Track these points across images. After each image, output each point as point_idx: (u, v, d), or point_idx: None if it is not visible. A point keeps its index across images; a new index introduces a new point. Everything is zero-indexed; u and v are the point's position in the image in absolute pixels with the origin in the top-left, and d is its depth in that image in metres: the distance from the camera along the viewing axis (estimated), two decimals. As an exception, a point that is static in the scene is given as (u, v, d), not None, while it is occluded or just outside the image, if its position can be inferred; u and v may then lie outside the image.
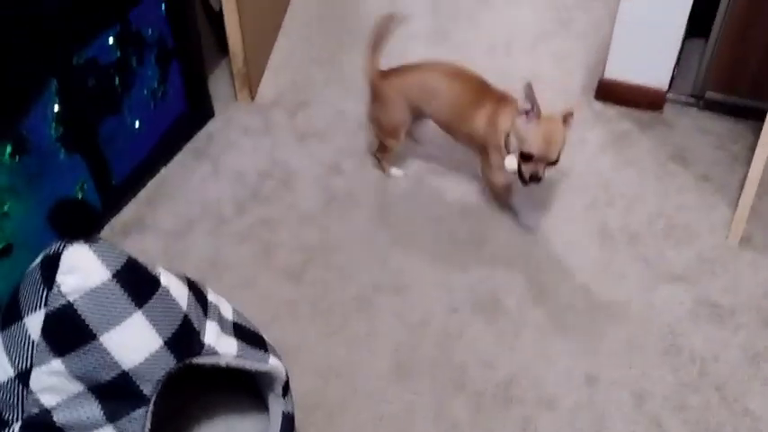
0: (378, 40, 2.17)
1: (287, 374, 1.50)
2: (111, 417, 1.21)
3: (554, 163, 1.92)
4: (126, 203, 2.21)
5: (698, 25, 2.55)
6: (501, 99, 2.04)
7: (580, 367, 1.84)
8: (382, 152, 2.30)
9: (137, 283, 1.21)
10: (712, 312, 1.95)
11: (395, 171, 2.33)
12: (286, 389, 1.51)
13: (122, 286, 1.19)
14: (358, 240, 2.15)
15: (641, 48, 2.46)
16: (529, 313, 1.96)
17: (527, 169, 1.92)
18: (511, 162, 1.97)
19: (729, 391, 1.78)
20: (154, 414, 1.26)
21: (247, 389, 1.59)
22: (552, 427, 1.73)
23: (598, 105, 2.59)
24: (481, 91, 2.09)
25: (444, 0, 3.02)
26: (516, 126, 1.91)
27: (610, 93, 2.58)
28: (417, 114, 2.20)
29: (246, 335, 1.45)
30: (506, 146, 1.97)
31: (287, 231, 2.17)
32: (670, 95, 2.58)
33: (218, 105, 2.55)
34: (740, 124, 2.50)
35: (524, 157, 1.91)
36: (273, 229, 2.18)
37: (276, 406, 1.49)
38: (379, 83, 2.17)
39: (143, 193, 2.26)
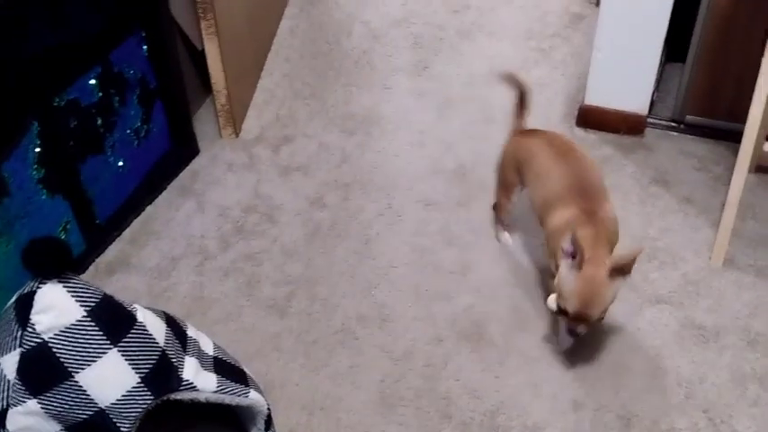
0: (522, 98, 2.09)
1: (269, 408, 1.49)
2: (88, 456, 1.20)
3: (598, 320, 1.70)
4: (110, 242, 2.21)
5: (676, 50, 2.59)
6: (590, 210, 1.75)
7: (566, 394, 1.84)
8: (496, 209, 2.21)
9: (112, 319, 1.21)
10: (698, 334, 1.95)
11: (504, 237, 2.18)
12: (269, 423, 1.50)
13: (97, 323, 1.19)
14: (341, 273, 2.16)
15: (620, 74, 2.50)
16: (514, 341, 1.96)
17: (564, 322, 1.73)
18: (552, 302, 1.75)
19: (716, 413, 1.77)
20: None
21: (230, 424, 1.58)
22: (539, 454, 1.71)
23: (580, 132, 2.61)
24: (576, 187, 1.80)
25: (426, 34, 3.06)
26: (560, 269, 1.67)
27: (591, 119, 2.61)
28: (522, 180, 2.01)
29: (227, 369, 1.44)
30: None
31: (271, 265, 2.18)
32: (650, 120, 2.61)
33: (202, 142, 2.57)
34: (721, 146, 2.52)
35: (562, 311, 1.69)
36: (257, 263, 2.18)
37: (258, 441, 1.48)
38: (509, 138, 2.11)
39: (128, 232, 2.27)
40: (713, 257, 2.13)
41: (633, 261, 1.60)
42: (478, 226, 2.28)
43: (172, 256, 2.20)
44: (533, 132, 2.06)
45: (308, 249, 2.23)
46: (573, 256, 1.62)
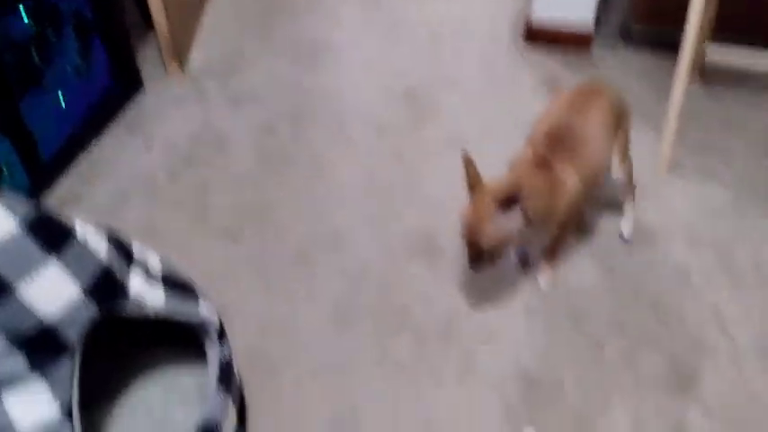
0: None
1: (220, 320, 1.50)
2: (37, 368, 1.20)
3: (493, 253, 1.66)
4: (57, 180, 2.18)
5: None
6: (543, 158, 1.71)
7: (519, 298, 1.87)
8: None
9: (49, 232, 1.20)
10: (646, 235, 1.99)
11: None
12: (222, 335, 1.51)
13: (34, 235, 1.17)
14: (295, 198, 2.16)
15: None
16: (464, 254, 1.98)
17: (466, 255, 1.70)
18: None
19: (663, 306, 1.83)
20: (88, 369, 1.26)
21: (186, 341, 1.59)
22: (493, 356, 1.75)
23: (527, 49, 2.61)
24: (552, 136, 1.75)
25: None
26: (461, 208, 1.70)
27: (538, 35, 2.61)
28: None
29: (175, 284, 1.45)
30: None
31: (223, 193, 2.16)
32: (597, 35, 2.62)
33: (147, 78, 2.53)
34: (665, 58, 2.54)
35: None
36: (209, 191, 2.17)
37: (213, 353, 1.49)
38: None
39: (75, 169, 2.23)
40: (659, 164, 2.17)
41: (512, 194, 1.56)
42: (429, 147, 2.29)
43: (121, 191, 2.17)
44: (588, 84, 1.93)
45: (260, 176, 2.22)
46: (468, 184, 1.67)
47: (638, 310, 1.82)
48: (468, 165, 1.66)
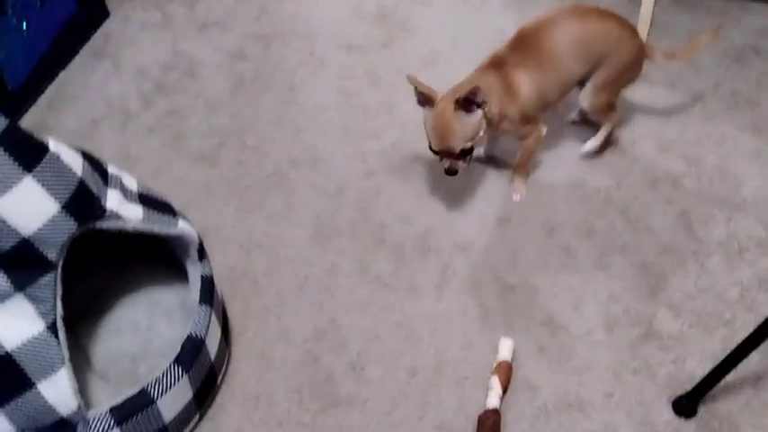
0: None
1: (200, 239, 1.52)
2: (19, 285, 1.22)
3: (466, 153, 1.72)
4: (26, 109, 2.15)
5: None
6: (499, 63, 1.76)
7: (492, 212, 1.91)
8: None
9: (23, 147, 1.20)
10: (615, 145, 2.02)
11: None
12: (201, 252, 1.53)
13: (7, 152, 1.17)
14: (270, 120, 2.15)
15: None
16: (440, 170, 2.00)
17: (441, 164, 1.76)
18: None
19: (632, 213, 1.88)
20: (72, 286, 1.28)
21: (168, 261, 1.61)
22: (469, 267, 1.80)
23: (498, -34, 2.58)
24: (516, 43, 1.79)
25: None
26: (423, 115, 1.75)
27: (508, -48, 2.57)
28: None
29: (152, 202, 1.46)
30: None
31: (196, 119, 2.16)
32: (567, -51, 2.59)
33: (112, 3, 2.48)
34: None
35: (431, 149, 1.75)
36: (182, 117, 2.16)
37: (194, 270, 1.52)
38: None
39: (43, 98, 2.21)
40: (630, 75, 2.18)
41: (469, 94, 1.63)
42: (402, 65, 2.28)
43: (92, 119, 2.16)
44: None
45: (233, 101, 2.21)
46: (423, 101, 1.72)
47: (608, 218, 1.87)
48: (415, 83, 1.71)
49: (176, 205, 1.62)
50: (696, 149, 2.00)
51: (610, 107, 1.91)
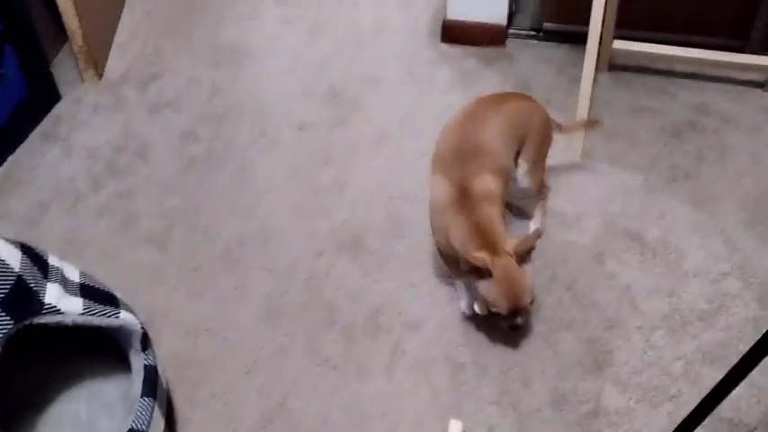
0: None
1: (143, 328, 1.50)
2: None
3: (532, 302, 1.68)
4: (-27, 194, 2.14)
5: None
6: (463, 187, 1.69)
7: (443, 290, 1.92)
8: None
9: (-43, 246, 1.19)
10: (561, 221, 2.07)
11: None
12: (145, 342, 1.51)
13: (-59, 251, 1.16)
14: (221, 201, 2.16)
15: (477, -13, 2.56)
16: (391, 247, 2.03)
17: (504, 324, 1.71)
18: (477, 307, 1.78)
19: (578, 288, 1.91)
20: (11, 381, 1.25)
21: (110, 351, 1.59)
22: (419, 346, 1.80)
23: (444, 47, 2.67)
24: (456, 154, 1.75)
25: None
26: (478, 286, 1.66)
27: (454, 33, 2.67)
28: None
29: (94, 294, 1.45)
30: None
31: (147, 200, 2.16)
32: (511, 30, 2.70)
33: (64, 87, 2.49)
34: (577, 51, 2.61)
35: (497, 314, 1.68)
36: (133, 199, 2.16)
37: (137, 360, 1.50)
38: None
39: (-9, 183, 2.19)
40: (572, 151, 2.26)
41: (535, 239, 1.67)
42: (353, 144, 2.33)
43: (40, 202, 2.14)
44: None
45: (185, 182, 2.22)
46: (477, 273, 1.62)
47: (555, 294, 1.90)
48: (471, 258, 1.61)
49: (124, 290, 1.60)
50: (638, 224, 2.06)
51: (543, 181, 1.98)
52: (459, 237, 1.66)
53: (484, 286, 1.63)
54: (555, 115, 2.37)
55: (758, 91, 2.45)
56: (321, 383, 1.74)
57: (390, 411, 1.68)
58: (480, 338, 1.81)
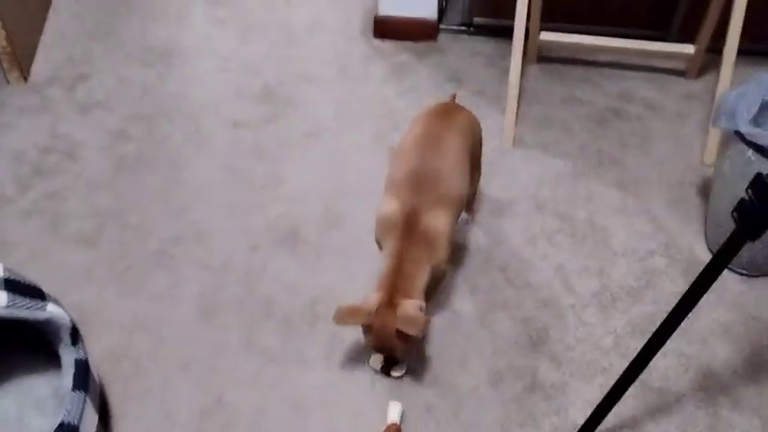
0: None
1: (72, 321, 1.47)
2: None
3: (413, 341, 1.61)
4: None
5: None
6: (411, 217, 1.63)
7: (377, 278, 1.93)
8: None
9: None
10: (494, 207, 2.11)
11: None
12: (75, 336, 1.48)
13: None
14: (153, 199, 2.13)
15: (407, -17, 2.60)
16: (328, 239, 2.03)
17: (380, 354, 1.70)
18: (374, 361, 1.74)
19: (512, 270, 1.94)
20: None
21: (40, 348, 1.55)
22: (356, 333, 1.80)
23: (377, 42, 2.70)
24: (412, 180, 1.67)
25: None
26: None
27: (386, 29, 2.70)
28: None
29: (19, 287, 1.41)
30: None
31: (76, 201, 2.11)
32: (442, 26, 2.74)
33: (-12, 90, 2.43)
34: (507, 44, 2.67)
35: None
36: (61, 200, 2.11)
37: (67, 355, 1.46)
38: None
39: None
40: (504, 140, 2.30)
41: (419, 328, 1.56)
42: (287, 140, 2.33)
43: (-35, 206, 2.08)
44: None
45: (116, 182, 2.18)
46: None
47: (490, 276, 1.93)
48: (348, 315, 1.61)
49: (54, 290, 1.56)
50: (568, 207, 2.11)
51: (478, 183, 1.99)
52: (383, 264, 1.64)
53: (365, 334, 1.63)
54: (488, 106, 2.43)
55: (679, 79, 2.54)
56: (259, 376, 1.73)
57: (330, 399, 1.68)
58: (417, 323, 1.82)
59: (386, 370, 1.72)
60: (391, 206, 1.67)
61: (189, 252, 2.00)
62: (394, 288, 1.60)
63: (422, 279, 1.63)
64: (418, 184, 1.66)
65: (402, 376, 1.72)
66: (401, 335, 1.57)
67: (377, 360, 1.74)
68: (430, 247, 1.64)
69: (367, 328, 1.62)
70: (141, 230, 2.05)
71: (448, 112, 1.82)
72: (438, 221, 1.64)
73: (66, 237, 2.02)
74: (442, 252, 1.65)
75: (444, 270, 1.70)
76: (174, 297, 1.89)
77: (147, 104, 2.43)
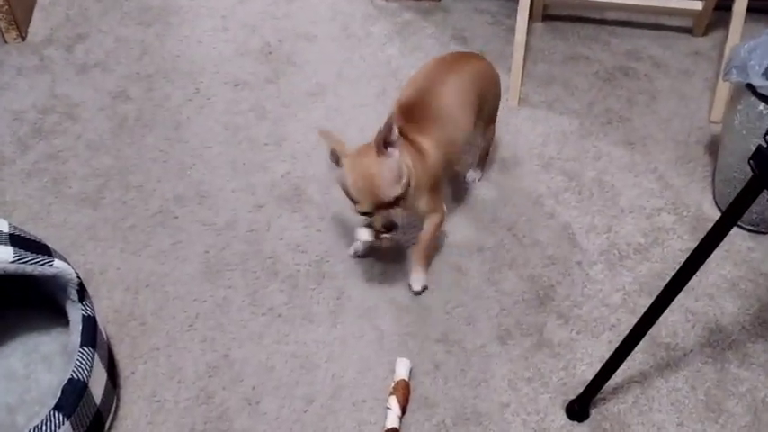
0: None
1: (79, 277, 1.45)
2: None
3: (398, 201, 1.54)
4: None
5: None
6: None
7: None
8: None
9: None
10: (500, 166, 2.09)
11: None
12: (82, 293, 1.47)
13: None
14: (155, 159, 2.11)
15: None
16: (332, 198, 2.01)
17: (374, 222, 1.61)
18: (362, 233, 1.67)
19: (519, 229, 1.93)
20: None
21: (47, 305, 1.54)
22: (363, 291, 1.80)
23: (379, 1, 2.65)
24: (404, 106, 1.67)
25: None
26: (336, 177, 1.56)
27: (388, -13, 2.65)
28: None
29: (25, 243, 1.39)
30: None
31: (77, 161, 2.09)
32: (445, -17, 2.69)
33: (-16, 50, 2.39)
34: (511, 1, 2.64)
35: (360, 211, 1.57)
36: (62, 161, 2.09)
37: (74, 312, 1.45)
38: None
39: None
40: (509, 98, 2.27)
41: (388, 130, 1.50)
42: (289, 100, 2.29)
43: (-35, 166, 2.06)
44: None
45: (116, 142, 2.15)
46: (334, 158, 1.56)
47: (497, 235, 1.91)
48: (327, 137, 1.56)
49: (57, 249, 1.55)
50: (575, 165, 2.09)
51: (493, 137, 1.97)
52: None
53: (340, 177, 1.53)
54: (494, 64, 2.38)
55: (687, 36, 2.50)
56: (265, 332, 1.72)
57: (336, 355, 1.68)
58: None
59: (378, 234, 1.60)
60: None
61: (192, 211, 1.98)
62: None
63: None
64: (408, 114, 1.65)
65: (391, 240, 1.61)
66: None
67: (365, 231, 1.62)
68: (418, 159, 1.60)
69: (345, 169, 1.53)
70: (143, 190, 2.03)
71: (466, 57, 1.84)
72: (428, 146, 1.62)
73: (68, 197, 2.00)
74: (426, 180, 1.61)
75: (440, 217, 1.70)
76: (178, 256, 1.88)
77: (147, 64, 2.39)
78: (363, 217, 1.64)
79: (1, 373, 1.48)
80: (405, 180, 1.53)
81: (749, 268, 1.85)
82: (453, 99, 1.71)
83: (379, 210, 1.54)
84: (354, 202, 1.54)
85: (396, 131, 1.52)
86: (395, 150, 1.54)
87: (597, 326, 1.73)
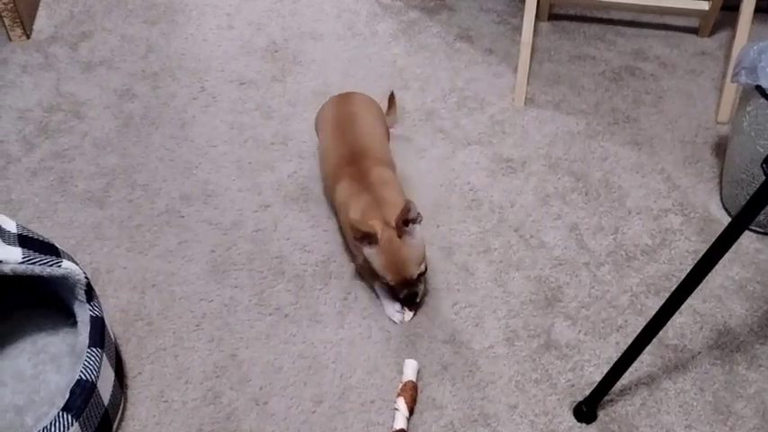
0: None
1: (87, 277, 1.45)
2: None
3: (422, 274, 1.66)
4: None
5: None
6: (360, 176, 1.74)
7: (392, 235, 1.91)
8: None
9: None
10: (506, 167, 2.08)
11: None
12: (90, 293, 1.47)
13: None
14: (161, 158, 2.10)
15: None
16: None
17: (400, 295, 1.68)
18: (396, 316, 1.73)
19: (526, 230, 1.93)
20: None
21: (55, 306, 1.54)
22: (369, 293, 1.79)
23: (385, 0, 2.64)
24: (347, 157, 1.79)
25: None
26: (366, 253, 1.63)
27: (394, -14, 2.64)
28: None
29: (33, 243, 1.39)
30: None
31: (83, 160, 2.08)
32: (451, -18, 2.68)
33: (-11, 47, 2.38)
34: (517, 0, 2.64)
35: (390, 286, 1.68)
36: (68, 159, 2.08)
37: (82, 312, 1.45)
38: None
39: None
40: (515, 98, 2.27)
41: (406, 211, 1.56)
42: (295, 98, 2.29)
43: (-30, 164, 2.05)
44: (330, 100, 2.02)
45: (122, 140, 2.15)
46: (365, 240, 1.61)
47: (504, 236, 1.91)
48: (355, 223, 1.59)
49: (64, 248, 1.54)
50: (582, 166, 2.09)
51: None
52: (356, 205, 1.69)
53: (371, 256, 1.62)
54: (498, 65, 2.39)
55: (693, 36, 2.50)
56: (273, 333, 1.72)
57: (344, 356, 1.68)
58: (431, 281, 1.81)
59: (408, 302, 1.70)
60: (343, 185, 1.75)
61: (198, 211, 1.97)
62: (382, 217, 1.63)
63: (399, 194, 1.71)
64: (352, 159, 1.77)
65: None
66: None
67: (397, 315, 1.72)
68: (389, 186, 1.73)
69: (374, 247, 1.61)
70: (149, 189, 2.02)
71: (346, 97, 1.99)
72: (384, 173, 1.76)
73: (74, 196, 1.99)
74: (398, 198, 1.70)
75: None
76: (184, 256, 1.87)
77: (152, 62, 2.39)
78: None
79: (9, 374, 1.47)
80: (424, 258, 1.65)
81: (757, 270, 1.85)
82: (369, 129, 1.88)
83: (405, 285, 1.64)
84: (383, 280, 1.65)
85: (414, 210, 1.58)
86: (415, 227, 1.62)
87: (605, 327, 1.73)
